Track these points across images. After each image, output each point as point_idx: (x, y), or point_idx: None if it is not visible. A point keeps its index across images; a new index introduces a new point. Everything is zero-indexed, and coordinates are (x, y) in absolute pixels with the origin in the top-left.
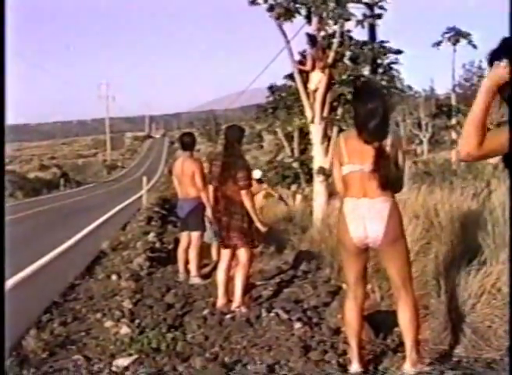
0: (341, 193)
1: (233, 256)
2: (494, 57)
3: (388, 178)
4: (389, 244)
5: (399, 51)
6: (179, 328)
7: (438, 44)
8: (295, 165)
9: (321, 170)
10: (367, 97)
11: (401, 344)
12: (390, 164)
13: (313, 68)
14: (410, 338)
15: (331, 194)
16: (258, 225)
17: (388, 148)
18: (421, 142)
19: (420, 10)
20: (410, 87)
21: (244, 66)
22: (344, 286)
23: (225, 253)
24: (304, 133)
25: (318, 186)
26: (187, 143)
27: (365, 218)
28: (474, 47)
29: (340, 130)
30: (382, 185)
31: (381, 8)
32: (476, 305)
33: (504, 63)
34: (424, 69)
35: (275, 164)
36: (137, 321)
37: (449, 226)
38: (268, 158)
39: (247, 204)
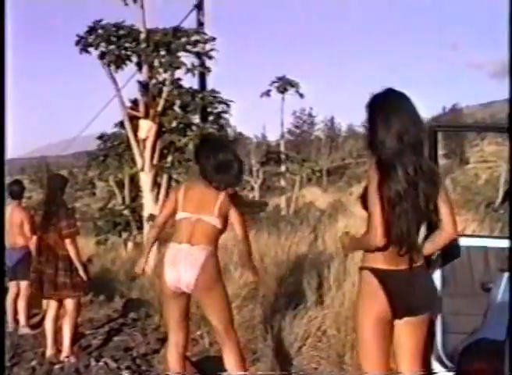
0: (154, 231)
1: (61, 305)
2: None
3: (216, 228)
4: (203, 292)
5: (228, 102)
6: None
7: (267, 93)
8: (126, 212)
9: (152, 217)
10: (217, 148)
11: None
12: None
13: (146, 114)
14: None
15: (163, 241)
16: (81, 273)
17: (231, 197)
18: (252, 188)
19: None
20: (241, 134)
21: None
22: None
23: (53, 302)
24: (136, 181)
25: None
26: (15, 191)
27: (181, 263)
28: (301, 96)
29: (170, 178)
30: (206, 234)
31: (210, 57)
32: (302, 348)
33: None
34: (256, 116)
35: (106, 211)
36: None
37: (276, 271)
38: (100, 206)
39: (72, 252)
